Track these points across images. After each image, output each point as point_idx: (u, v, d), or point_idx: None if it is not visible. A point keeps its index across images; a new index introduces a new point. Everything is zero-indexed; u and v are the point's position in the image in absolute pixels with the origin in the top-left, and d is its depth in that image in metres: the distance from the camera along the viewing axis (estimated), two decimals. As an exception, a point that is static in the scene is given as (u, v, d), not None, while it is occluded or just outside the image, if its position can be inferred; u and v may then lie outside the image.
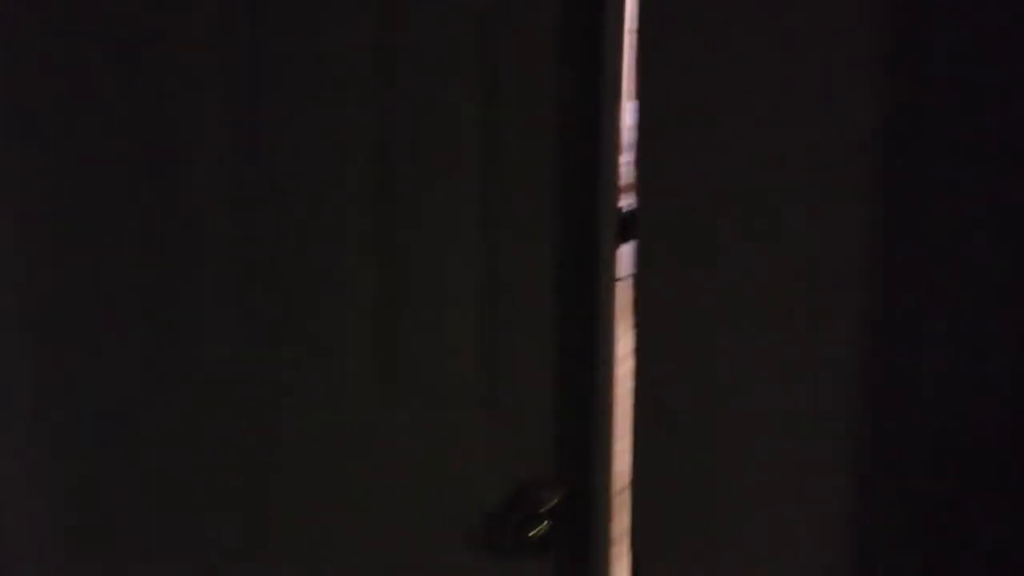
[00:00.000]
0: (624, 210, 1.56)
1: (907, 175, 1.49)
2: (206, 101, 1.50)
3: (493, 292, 1.56)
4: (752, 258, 1.56)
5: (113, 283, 1.53)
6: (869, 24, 1.48)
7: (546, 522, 1.59)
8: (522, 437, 1.59)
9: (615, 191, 1.55)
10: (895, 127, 1.49)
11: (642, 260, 1.55)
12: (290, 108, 1.49)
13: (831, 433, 1.58)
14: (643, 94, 1.53)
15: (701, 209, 1.55)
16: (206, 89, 1.49)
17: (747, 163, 1.54)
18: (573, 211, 1.55)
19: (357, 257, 1.55)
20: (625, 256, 1.57)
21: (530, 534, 1.57)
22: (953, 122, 1.45)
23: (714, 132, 1.54)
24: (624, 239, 1.57)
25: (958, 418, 1.49)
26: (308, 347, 1.57)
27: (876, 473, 1.56)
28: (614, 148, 1.54)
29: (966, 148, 1.44)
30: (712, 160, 1.55)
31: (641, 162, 1.54)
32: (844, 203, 1.53)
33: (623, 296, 1.57)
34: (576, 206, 1.55)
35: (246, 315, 1.56)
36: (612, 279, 1.56)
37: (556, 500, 1.59)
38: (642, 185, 1.54)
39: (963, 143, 1.44)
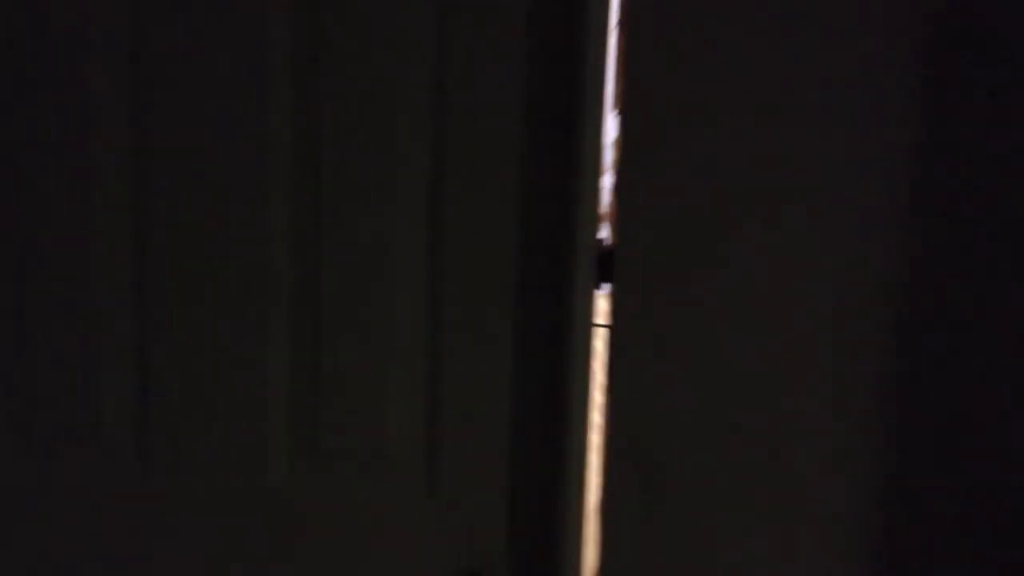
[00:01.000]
0: (603, 244, 1.28)
1: (914, 182, 1.15)
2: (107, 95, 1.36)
3: (439, 347, 1.29)
4: (753, 299, 1.20)
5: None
6: (878, 25, 1.10)
7: None
8: (471, 520, 1.32)
9: (594, 222, 1.28)
10: (908, 135, 1.11)
11: (619, 304, 1.26)
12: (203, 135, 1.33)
13: (832, 504, 1.18)
14: (628, 104, 1.24)
15: (693, 242, 1.22)
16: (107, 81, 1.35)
17: (751, 185, 1.19)
18: (541, 247, 1.29)
19: (280, 308, 1.34)
20: (602, 301, 1.29)
21: None
22: (957, 123, 1.14)
23: (712, 147, 1.21)
24: (602, 280, 1.28)
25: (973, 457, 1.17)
26: (217, 410, 1.38)
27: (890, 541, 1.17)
28: (594, 169, 1.27)
29: (966, 148, 1.15)
30: (709, 182, 1.21)
31: (621, 186, 1.25)
32: (860, 234, 1.15)
33: (599, 348, 1.29)
34: (546, 241, 1.29)
35: (145, 370, 1.40)
36: (588, 329, 1.28)
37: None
38: (622, 214, 1.25)
39: (963, 143, 1.15)
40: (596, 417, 1.30)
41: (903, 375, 1.20)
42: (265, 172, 1.30)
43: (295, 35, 1.28)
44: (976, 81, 1.12)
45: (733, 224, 1.21)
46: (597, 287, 1.28)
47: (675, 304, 1.24)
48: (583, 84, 1.25)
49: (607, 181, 1.27)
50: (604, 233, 1.28)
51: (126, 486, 1.41)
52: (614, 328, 1.26)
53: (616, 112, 1.25)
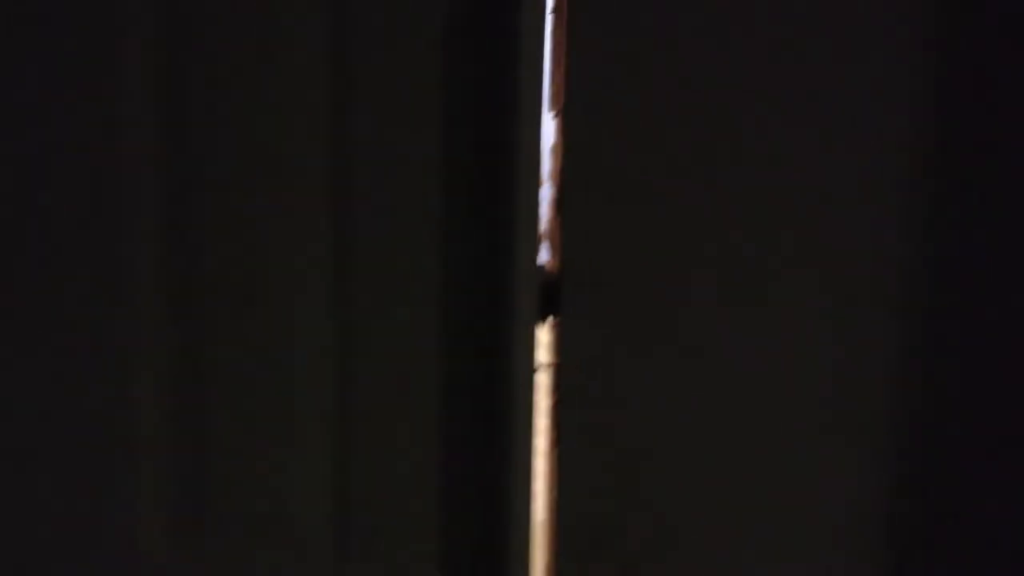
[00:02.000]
0: (545, 270, 1.10)
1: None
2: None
3: (351, 389, 1.11)
4: (731, 337, 1.04)
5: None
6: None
7: None
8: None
9: (534, 243, 1.09)
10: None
11: (568, 339, 1.08)
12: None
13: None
14: (568, 103, 1.06)
15: (655, 265, 1.05)
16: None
17: (721, 198, 1.03)
18: (470, 275, 1.10)
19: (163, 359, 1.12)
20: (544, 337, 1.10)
21: None
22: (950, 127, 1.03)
23: (677, 153, 1.04)
24: (546, 311, 1.10)
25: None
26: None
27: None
28: (531, 180, 1.08)
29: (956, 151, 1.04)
30: (673, 195, 1.05)
31: (566, 201, 1.07)
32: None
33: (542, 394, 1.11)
34: (475, 268, 1.10)
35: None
36: (530, 373, 1.10)
37: None
38: (567, 233, 1.07)
39: (954, 146, 1.05)
40: (541, 468, 1.11)
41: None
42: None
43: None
44: (972, 83, 0.99)
45: (701, 243, 1.04)
46: (542, 320, 1.09)
47: (634, 337, 1.06)
48: (516, 82, 1.07)
49: (544, 194, 1.09)
50: (544, 256, 1.09)
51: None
52: (561, 368, 1.08)
53: (553, 113, 1.07)
